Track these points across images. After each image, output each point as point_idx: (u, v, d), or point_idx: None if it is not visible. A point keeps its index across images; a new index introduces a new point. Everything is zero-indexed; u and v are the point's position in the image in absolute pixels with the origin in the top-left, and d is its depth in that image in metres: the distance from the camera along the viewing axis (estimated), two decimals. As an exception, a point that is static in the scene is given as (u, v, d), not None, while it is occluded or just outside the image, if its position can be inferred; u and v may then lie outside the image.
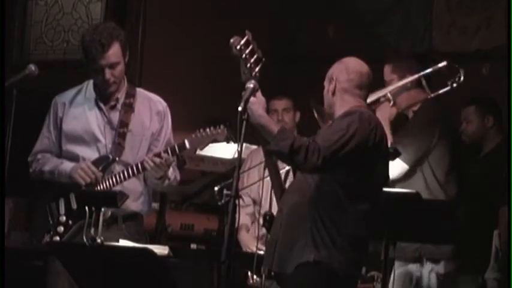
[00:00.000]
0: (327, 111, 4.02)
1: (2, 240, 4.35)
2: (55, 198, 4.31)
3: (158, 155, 4.23)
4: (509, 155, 4.42)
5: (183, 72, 6.73)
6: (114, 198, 3.90)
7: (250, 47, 3.71)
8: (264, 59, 3.71)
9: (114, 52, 4.27)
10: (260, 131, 3.73)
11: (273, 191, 4.11)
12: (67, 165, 4.33)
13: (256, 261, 4.05)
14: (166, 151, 4.24)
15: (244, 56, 3.69)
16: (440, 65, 4.83)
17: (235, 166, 3.62)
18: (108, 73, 4.27)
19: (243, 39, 3.70)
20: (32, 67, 4.29)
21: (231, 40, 3.71)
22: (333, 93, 3.92)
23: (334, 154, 3.67)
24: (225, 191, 4.68)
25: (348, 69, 3.93)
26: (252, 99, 3.69)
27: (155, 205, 6.06)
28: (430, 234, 4.43)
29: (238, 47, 3.68)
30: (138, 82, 5.97)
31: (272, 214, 4.11)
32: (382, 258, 4.46)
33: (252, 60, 3.70)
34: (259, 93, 3.71)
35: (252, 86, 3.70)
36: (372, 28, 7.51)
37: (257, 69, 3.71)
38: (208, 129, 4.28)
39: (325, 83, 3.98)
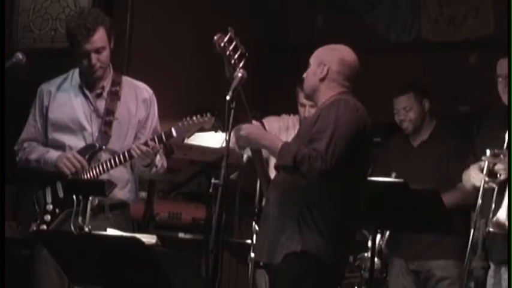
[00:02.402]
0: (307, 93, 4.01)
1: (2, 234, 4.34)
2: (42, 187, 4.30)
3: (145, 143, 4.23)
4: (509, 154, 4.42)
5: (171, 61, 6.72)
6: (102, 186, 3.89)
7: (234, 43, 3.73)
8: (247, 54, 3.74)
9: (100, 37, 4.26)
10: (267, 151, 3.84)
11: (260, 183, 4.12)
12: (53, 154, 4.31)
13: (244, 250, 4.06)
14: (153, 139, 4.24)
15: (228, 53, 3.71)
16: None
17: (223, 155, 3.62)
18: (94, 58, 4.27)
19: (226, 36, 3.71)
20: (20, 55, 4.27)
21: (215, 38, 3.73)
22: (322, 80, 3.92)
23: (334, 151, 3.67)
24: (213, 180, 4.67)
25: (342, 61, 3.93)
26: (246, 126, 3.77)
27: (143, 194, 6.06)
28: (419, 223, 4.44)
29: (222, 44, 3.70)
30: (125, 71, 5.95)
31: (261, 207, 4.11)
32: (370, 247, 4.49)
33: (236, 56, 3.73)
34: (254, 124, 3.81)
35: (240, 75, 3.71)
36: (361, 17, 7.52)
37: (241, 64, 3.74)
38: (194, 117, 4.28)
39: (313, 65, 3.96)
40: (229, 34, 3.73)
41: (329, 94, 3.91)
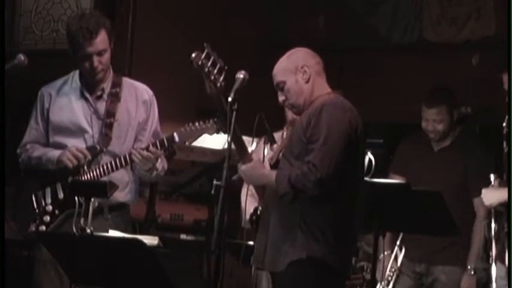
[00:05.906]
0: (294, 103, 3.92)
1: (2, 234, 4.34)
2: (41, 187, 4.30)
3: (147, 149, 4.22)
4: (509, 155, 4.42)
5: (172, 62, 6.72)
6: (104, 188, 3.88)
7: (211, 59, 3.70)
8: (226, 67, 3.72)
9: (102, 39, 4.26)
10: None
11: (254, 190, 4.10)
12: (55, 152, 4.31)
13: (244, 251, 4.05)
14: (154, 144, 4.23)
15: (206, 69, 3.69)
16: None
17: (225, 156, 3.62)
18: (96, 60, 4.27)
19: (203, 53, 3.69)
20: (22, 57, 4.27)
21: (192, 55, 3.69)
22: (307, 81, 3.89)
23: (329, 156, 3.65)
24: (215, 181, 4.67)
25: (309, 53, 3.94)
26: (245, 167, 3.79)
27: (146, 193, 6.07)
28: (421, 225, 4.44)
29: (199, 62, 3.68)
30: (128, 73, 5.96)
31: (258, 213, 4.10)
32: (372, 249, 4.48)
33: (215, 71, 3.71)
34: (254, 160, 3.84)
35: (242, 76, 3.71)
36: (362, 18, 7.52)
37: (221, 79, 3.72)
38: (197, 123, 4.27)
39: (289, 79, 3.89)
40: (206, 50, 3.69)
41: (317, 93, 3.88)
